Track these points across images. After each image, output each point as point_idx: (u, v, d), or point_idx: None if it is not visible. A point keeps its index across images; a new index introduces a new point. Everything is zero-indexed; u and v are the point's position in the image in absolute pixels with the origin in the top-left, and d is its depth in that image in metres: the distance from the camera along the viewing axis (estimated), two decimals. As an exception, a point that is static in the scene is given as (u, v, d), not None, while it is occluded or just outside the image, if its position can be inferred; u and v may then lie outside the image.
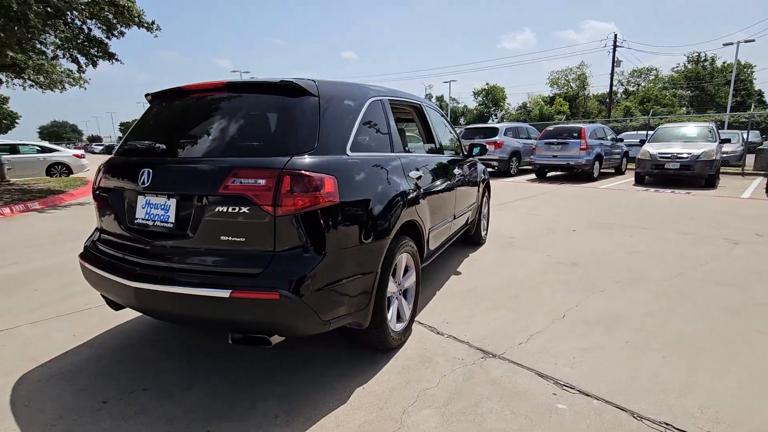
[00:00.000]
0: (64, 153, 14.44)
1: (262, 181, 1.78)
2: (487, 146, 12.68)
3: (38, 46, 9.28)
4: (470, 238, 4.74)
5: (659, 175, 10.26)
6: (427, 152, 3.35)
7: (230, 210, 1.82)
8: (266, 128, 1.98)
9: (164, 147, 2.02)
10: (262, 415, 1.93)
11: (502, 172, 13.04)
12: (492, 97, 51.28)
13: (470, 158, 4.33)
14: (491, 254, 4.51)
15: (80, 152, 15.04)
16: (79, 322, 2.89)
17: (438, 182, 3.16)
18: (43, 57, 9.56)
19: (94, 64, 9.49)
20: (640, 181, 10.76)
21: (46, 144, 14.75)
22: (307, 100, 2.03)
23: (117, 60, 9.64)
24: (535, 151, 12.16)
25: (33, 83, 10.90)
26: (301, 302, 1.76)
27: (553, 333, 2.69)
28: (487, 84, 51.73)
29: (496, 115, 53.06)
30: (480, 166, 4.72)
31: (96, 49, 9.23)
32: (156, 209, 1.99)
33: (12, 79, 10.48)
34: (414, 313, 2.73)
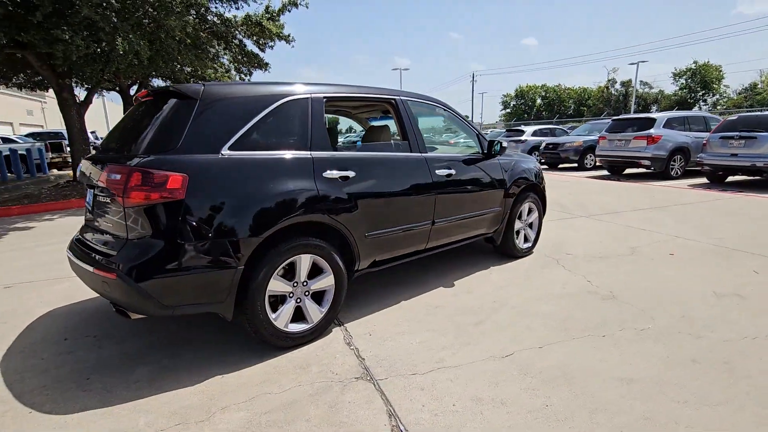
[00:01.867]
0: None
1: (119, 177, 2.06)
2: (636, 140, 10.45)
3: (220, 60, 11.87)
4: (499, 249, 4.14)
5: None
6: (397, 150, 3.10)
7: (105, 200, 2.17)
8: (148, 130, 2.24)
9: (98, 144, 2.51)
10: (131, 377, 2.24)
11: (659, 174, 10.49)
12: (700, 79, 41.03)
13: (492, 158, 3.77)
14: (514, 270, 3.85)
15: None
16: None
17: (394, 183, 2.92)
18: (222, 70, 12.17)
19: (250, 74, 11.63)
20: None
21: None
22: (183, 103, 2.21)
23: (268, 69, 11.61)
24: (706, 148, 9.37)
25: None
26: (136, 285, 1.99)
27: (467, 371, 2.23)
28: (694, 63, 41.58)
29: (704, 100, 42.37)
30: (519, 167, 4.04)
31: (252, 61, 11.26)
32: (90, 196, 2.50)
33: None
34: (329, 317, 2.65)
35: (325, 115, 2.75)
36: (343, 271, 2.65)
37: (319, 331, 2.61)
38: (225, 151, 2.22)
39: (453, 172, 3.33)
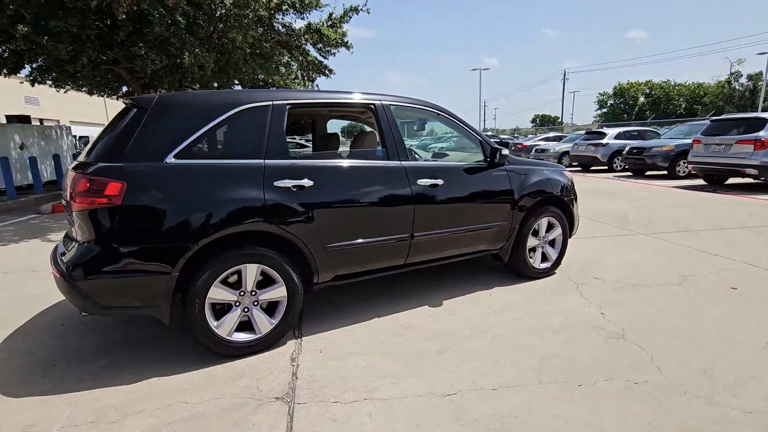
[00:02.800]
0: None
1: (70, 182, 2.22)
2: (740, 145, 8.88)
3: (291, 67, 12.55)
4: (508, 267, 3.73)
5: None
6: (371, 158, 2.93)
7: (67, 205, 2.35)
8: (106, 139, 2.37)
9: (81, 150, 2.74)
10: (86, 368, 2.40)
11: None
12: None
13: (497, 167, 3.40)
14: (519, 293, 3.42)
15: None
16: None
17: (361, 192, 2.76)
18: (292, 77, 12.86)
19: (312, 80, 12.10)
20: None
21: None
22: (135, 113, 2.31)
23: (330, 76, 11.99)
24: (836, 155, 7.51)
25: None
26: (74, 284, 2.12)
27: (394, 407, 2.01)
28: None
29: None
30: (535, 177, 3.59)
31: (316, 68, 11.71)
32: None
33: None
34: (281, 330, 2.58)
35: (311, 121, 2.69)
36: (296, 283, 2.57)
37: (269, 342, 2.56)
38: (170, 159, 2.28)
39: (440, 181, 3.05)
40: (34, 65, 8.79)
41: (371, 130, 3.51)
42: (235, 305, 2.46)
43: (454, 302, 3.27)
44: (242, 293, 2.46)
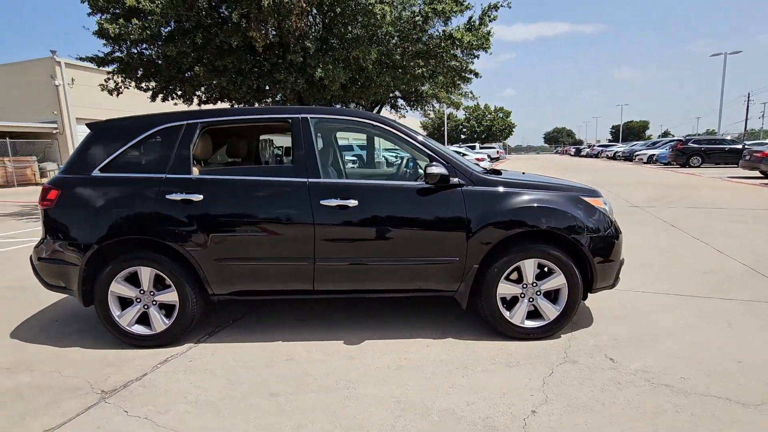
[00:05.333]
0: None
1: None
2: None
3: (437, 77, 12.67)
4: (481, 316, 2.90)
5: None
6: (272, 174, 2.80)
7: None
8: (70, 156, 3.03)
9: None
10: (68, 327, 3.16)
11: None
12: None
13: (451, 188, 2.70)
14: (465, 353, 2.62)
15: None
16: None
17: (250, 209, 2.70)
18: (437, 87, 12.94)
19: (455, 86, 11.80)
20: None
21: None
22: (87, 134, 2.90)
23: (469, 82, 11.51)
24: None
25: (448, 104, 15.04)
26: (32, 263, 2.87)
27: (149, 437, 1.93)
28: None
29: None
30: (515, 202, 2.68)
31: (457, 74, 11.44)
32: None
33: (424, 105, 14.97)
34: (175, 332, 2.77)
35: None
36: (186, 291, 2.72)
37: (164, 340, 2.78)
38: (95, 173, 2.77)
39: (352, 203, 2.65)
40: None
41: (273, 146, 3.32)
42: (136, 301, 2.79)
43: (374, 345, 2.78)
44: (142, 291, 2.77)
